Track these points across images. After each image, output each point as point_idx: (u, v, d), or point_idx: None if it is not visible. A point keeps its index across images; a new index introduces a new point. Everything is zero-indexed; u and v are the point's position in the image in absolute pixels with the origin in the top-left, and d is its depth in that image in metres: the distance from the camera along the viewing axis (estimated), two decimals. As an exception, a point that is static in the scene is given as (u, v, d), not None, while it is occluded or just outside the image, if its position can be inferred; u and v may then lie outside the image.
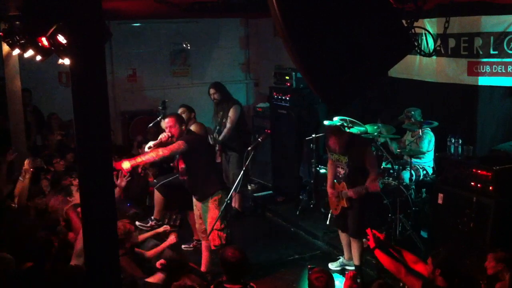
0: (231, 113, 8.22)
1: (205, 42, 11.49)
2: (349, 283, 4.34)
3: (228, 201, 6.13)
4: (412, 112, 7.47)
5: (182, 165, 6.24)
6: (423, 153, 7.36)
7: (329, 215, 7.42)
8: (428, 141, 7.37)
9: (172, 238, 5.85)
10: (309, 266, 4.43)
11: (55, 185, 7.30)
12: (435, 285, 4.22)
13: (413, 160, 7.34)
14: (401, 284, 5.40)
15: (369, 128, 7.52)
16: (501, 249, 4.75)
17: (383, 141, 7.63)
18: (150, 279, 4.60)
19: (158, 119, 8.10)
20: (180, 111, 7.61)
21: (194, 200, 6.51)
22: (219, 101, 8.44)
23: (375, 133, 7.40)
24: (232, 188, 6.31)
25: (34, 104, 9.79)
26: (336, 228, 6.83)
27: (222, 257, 4.48)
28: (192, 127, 7.23)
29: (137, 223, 6.77)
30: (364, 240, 6.58)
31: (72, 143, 8.81)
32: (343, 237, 6.63)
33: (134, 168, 6.71)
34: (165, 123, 6.17)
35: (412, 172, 7.23)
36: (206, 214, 6.24)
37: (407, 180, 7.23)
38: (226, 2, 6.29)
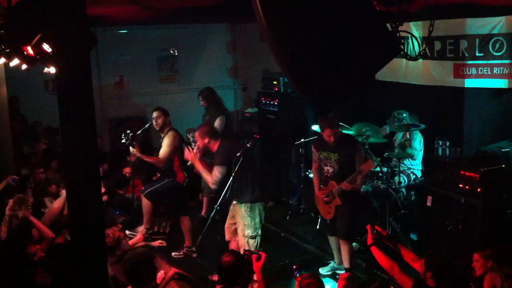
0: (216, 123, 8.32)
1: (192, 47, 11.47)
2: (343, 283, 4.38)
3: (218, 207, 6.12)
4: (404, 115, 7.52)
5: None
6: (415, 151, 7.39)
7: (319, 219, 7.41)
8: (419, 141, 7.45)
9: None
10: (294, 267, 4.42)
11: (39, 196, 7.17)
12: (425, 285, 4.26)
13: (404, 163, 7.36)
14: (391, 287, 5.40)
15: (355, 130, 7.53)
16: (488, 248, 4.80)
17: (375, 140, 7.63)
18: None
19: (146, 126, 8.07)
20: (155, 115, 7.38)
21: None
22: (207, 108, 8.85)
23: (363, 136, 7.42)
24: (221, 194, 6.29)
25: (21, 112, 9.72)
26: (326, 232, 6.82)
27: (217, 261, 4.51)
28: (170, 135, 7.20)
29: (126, 232, 6.73)
30: (354, 244, 6.60)
31: (58, 148, 8.74)
32: (332, 240, 6.62)
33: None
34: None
35: (404, 177, 7.27)
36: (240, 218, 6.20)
37: (396, 183, 7.26)
38: (215, 7, 6.29)
